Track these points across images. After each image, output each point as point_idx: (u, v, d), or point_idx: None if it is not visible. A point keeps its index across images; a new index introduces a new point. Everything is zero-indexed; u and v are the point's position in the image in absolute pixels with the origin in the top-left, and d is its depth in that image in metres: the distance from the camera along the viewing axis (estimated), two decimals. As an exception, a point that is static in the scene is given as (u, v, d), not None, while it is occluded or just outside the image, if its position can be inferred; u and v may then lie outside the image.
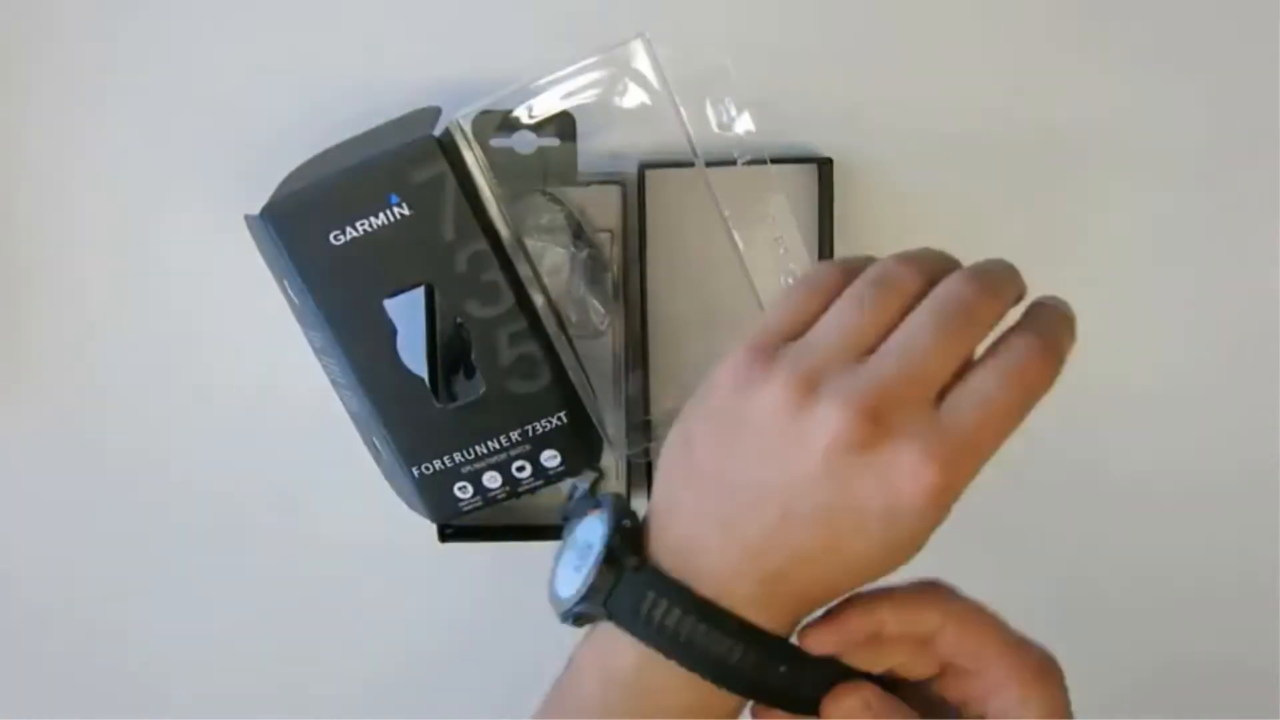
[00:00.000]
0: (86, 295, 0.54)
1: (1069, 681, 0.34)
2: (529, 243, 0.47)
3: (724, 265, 0.49)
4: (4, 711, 0.60)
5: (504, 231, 0.45)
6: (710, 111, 0.46)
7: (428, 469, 0.47)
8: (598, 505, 0.35)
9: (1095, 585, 0.58)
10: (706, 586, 0.31)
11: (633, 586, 0.31)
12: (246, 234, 0.46)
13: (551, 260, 0.49)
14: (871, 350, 0.30)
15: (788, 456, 0.29)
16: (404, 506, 0.51)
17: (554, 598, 0.34)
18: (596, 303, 0.50)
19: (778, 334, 0.32)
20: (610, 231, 0.51)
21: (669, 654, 0.31)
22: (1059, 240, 0.54)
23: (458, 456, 0.47)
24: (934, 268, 0.32)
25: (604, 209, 0.51)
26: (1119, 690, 0.60)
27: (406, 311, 0.46)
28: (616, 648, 0.32)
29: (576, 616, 0.33)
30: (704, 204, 0.47)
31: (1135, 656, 0.59)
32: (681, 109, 0.45)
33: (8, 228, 0.53)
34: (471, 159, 0.45)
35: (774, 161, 0.47)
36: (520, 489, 0.49)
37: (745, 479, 0.31)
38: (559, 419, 0.47)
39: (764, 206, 0.48)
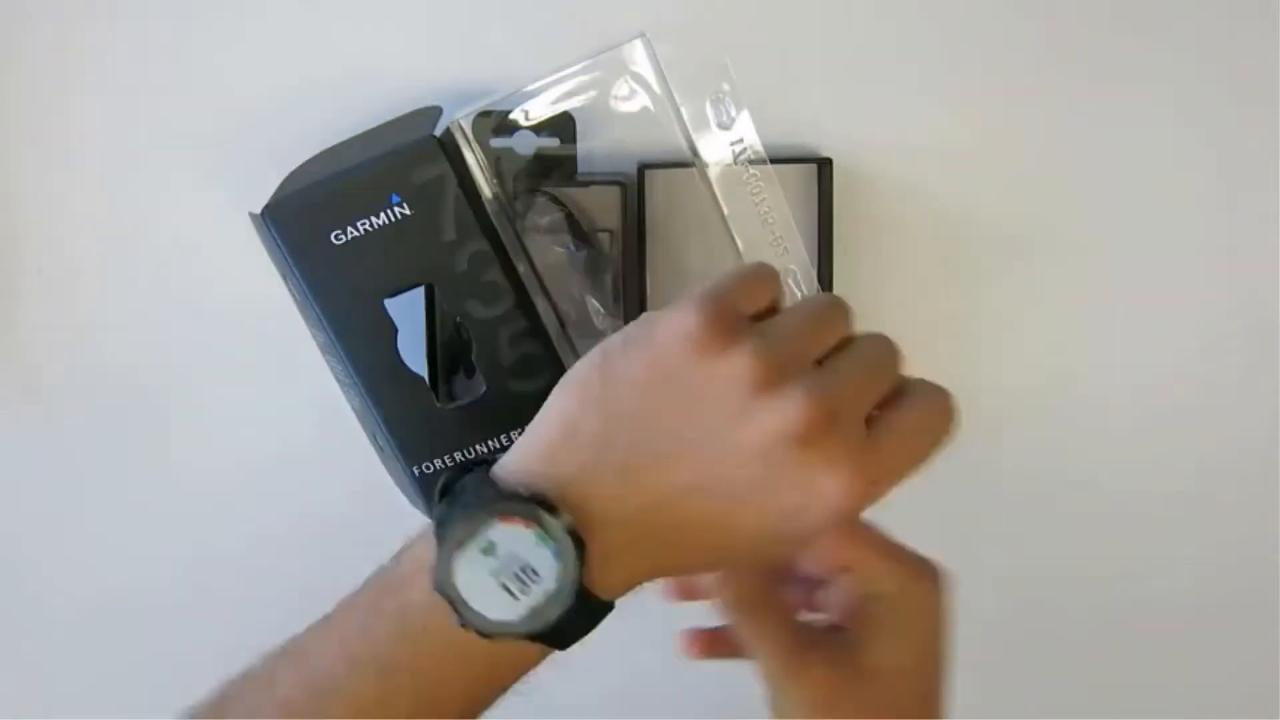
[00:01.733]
0: (87, 291, 0.54)
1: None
2: (529, 243, 0.47)
3: (724, 265, 0.49)
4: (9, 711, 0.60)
5: (504, 232, 0.46)
6: (710, 111, 0.46)
7: (428, 468, 0.47)
8: (526, 512, 0.30)
9: (1093, 588, 0.59)
10: (593, 542, 0.30)
11: (578, 617, 0.30)
12: (251, 230, 0.46)
13: (551, 260, 0.49)
14: (818, 363, 0.32)
15: (728, 424, 0.30)
16: (407, 504, 0.51)
17: (468, 611, 0.30)
18: (596, 303, 0.50)
19: (735, 308, 0.32)
20: (610, 231, 0.51)
21: (544, 641, 0.31)
22: (1058, 240, 0.54)
23: (458, 456, 0.47)
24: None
25: (604, 209, 0.51)
26: (1119, 691, 0.60)
27: (407, 311, 0.46)
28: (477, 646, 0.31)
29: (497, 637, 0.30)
30: (704, 204, 0.47)
31: (1135, 658, 0.59)
32: (681, 109, 0.45)
33: (8, 223, 0.53)
34: (472, 159, 0.45)
35: (774, 161, 0.47)
36: (521, 489, 0.49)
37: (667, 429, 0.30)
38: (559, 419, 0.47)
39: (764, 207, 0.48)
